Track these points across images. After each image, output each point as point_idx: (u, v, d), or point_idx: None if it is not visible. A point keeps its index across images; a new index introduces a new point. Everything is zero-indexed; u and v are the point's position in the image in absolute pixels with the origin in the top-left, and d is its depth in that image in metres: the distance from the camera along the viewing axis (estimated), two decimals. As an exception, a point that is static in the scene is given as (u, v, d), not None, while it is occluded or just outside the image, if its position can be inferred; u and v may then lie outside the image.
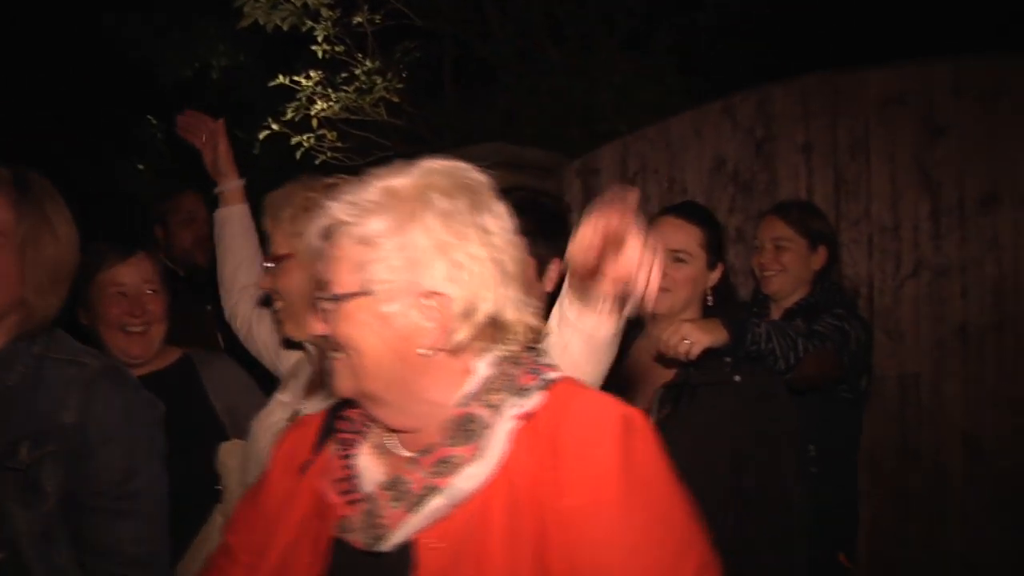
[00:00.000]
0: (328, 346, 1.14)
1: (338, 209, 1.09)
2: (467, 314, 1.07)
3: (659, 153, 3.83)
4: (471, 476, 1.05)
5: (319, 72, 4.96)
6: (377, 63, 5.05)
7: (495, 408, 1.08)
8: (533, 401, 1.08)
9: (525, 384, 1.10)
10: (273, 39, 5.09)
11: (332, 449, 1.18)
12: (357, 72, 5.05)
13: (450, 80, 5.62)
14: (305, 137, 5.10)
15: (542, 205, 2.20)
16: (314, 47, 5.06)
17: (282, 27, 4.55)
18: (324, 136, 4.92)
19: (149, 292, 2.25)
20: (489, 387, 1.10)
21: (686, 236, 2.38)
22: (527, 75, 4.97)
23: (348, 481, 1.12)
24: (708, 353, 2.31)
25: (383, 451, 1.16)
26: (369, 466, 1.14)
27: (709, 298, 2.45)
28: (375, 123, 4.96)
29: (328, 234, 1.11)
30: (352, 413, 1.20)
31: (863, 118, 3.17)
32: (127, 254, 2.24)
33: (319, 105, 5.06)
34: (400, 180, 1.09)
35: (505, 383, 1.10)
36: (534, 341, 1.18)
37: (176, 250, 3.46)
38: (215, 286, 2.75)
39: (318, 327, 1.13)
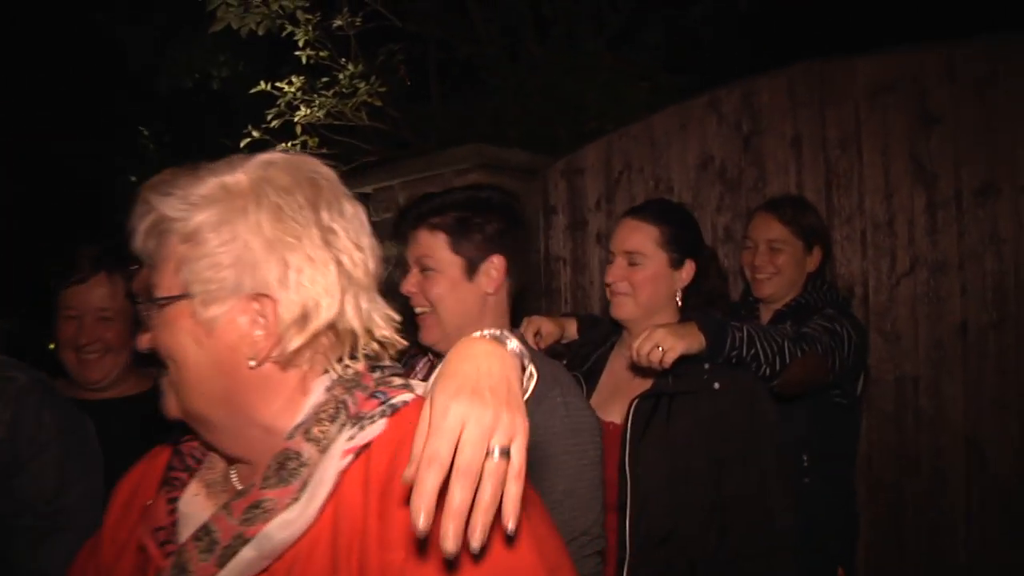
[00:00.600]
0: (156, 361, 1.01)
1: (165, 205, 0.97)
2: (301, 321, 0.96)
3: (644, 151, 3.69)
4: (286, 524, 0.91)
5: (301, 78, 4.87)
6: (360, 67, 4.95)
7: (317, 442, 0.94)
8: (371, 432, 0.94)
9: (364, 411, 0.97)
10: (271, 47, 5.00)
11: (164, 488, 1.04)
12: (340, 76, 4.95)
13: (435, 82, 5.50)
14: (289, 144, 5.00)
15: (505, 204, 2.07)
16: (297, 52, 4.98)
17: (256, 31, 4.44)
18: (306, 143, 4.83)
19: (102, 318, 2.12)
20: (317, 416, 0.97)
21: (641, 236, 2.26)
22: (513, 75, 4.84)
23: (167, 529, 0.98)
24: (685, 360, 2.18)
25: (219, 490, 1.03)
26: (195, 509, 1.00)
27: (678, 298, 2.32)
28: (358, 128, 4.85)
29: (154, 232, 0.99)
30: (193, 443, 1.07)
31: (853, 109, 3.02)
32: (86, 275, 2.11)
33: (302, 111, 4.97)
34: (235, 174, 0.99)
35: (335, 411, 0.96)
36: (385, 357, 1.06)
37: None
38: None
39: (142, 340, 1.00)
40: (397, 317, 1.08)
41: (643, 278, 2.25)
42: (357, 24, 4.78)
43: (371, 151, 4.83)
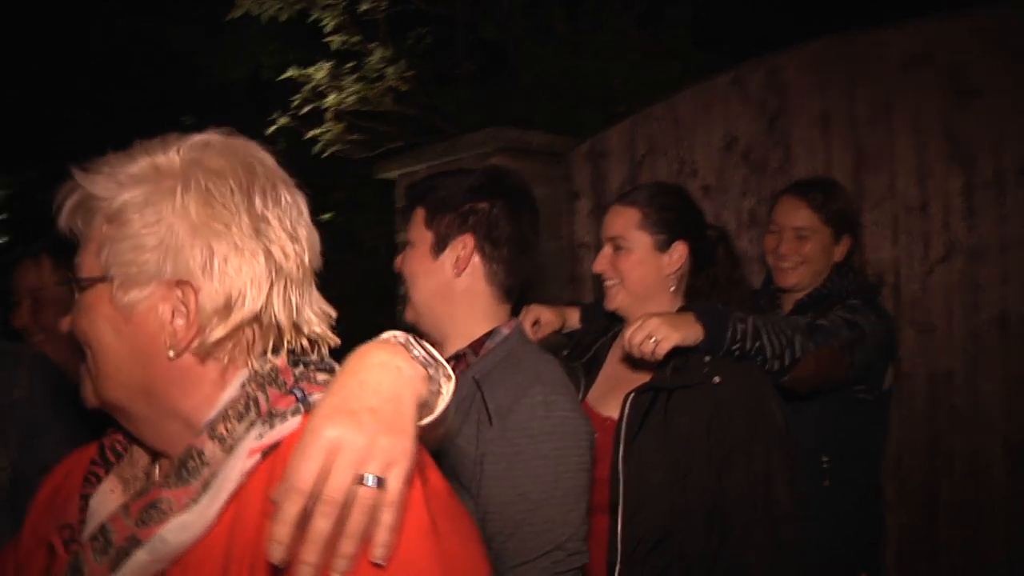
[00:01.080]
0: (76, 347, 0.97)
1: (93, 183, 0.93)
2: (223, 312, 0.92)
3: (667, 133, 3.53)
4: (183, 527, 0.86)
5: (329, 64, 4.84)
6: (390, 52, 4.89)
7: (221, 440, 0.89)
8: (282, 430, 0.89)
9: (277, 408, 0.91)
10: (310, 36, 4.99)
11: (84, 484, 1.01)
12: (370, 61, 4.91)
13: (464, 67, 5.41)
14: (321, 130, 4.99)
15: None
16: (328, 38, 4.95)
17: (277, 18, 4.42)
18: (330, 128, 4.80)
19: (37, 300, 2.07)
20: (225, 413, 0.92)
21: (623, 220, 2.13)
22: (540, 57, 4.71)
23: (73, 527, 0.94)
24: (684, 352, 2.06)
25: (138, 486, 0.98)
26: (105, 506, 0.96)
27: (671, 284, 2.18)
28: (386, 114, 4.81)
29: (80, 211, 0.95)
30: (117, 435, 1.03)
31: (884, 84, 2.82)
32: (22, 257, 2.09)
33: (331, 98, 4.94)
34: (168, 154, 0.95)
35: (245, 408, 0.91)
36: (309, 351, 1.00)
37: None
38: None
39: (64, 323, 0.97)
40: (333, 313, 1.03)
41: (628, 264, 2.12)
42: (383, 8, 4.72)
43: (399, 136, 4.78)
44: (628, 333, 1.96)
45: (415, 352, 0.91)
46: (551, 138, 4.01)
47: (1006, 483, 2.61)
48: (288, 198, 0.99)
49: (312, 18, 4.66)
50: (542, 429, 1.62)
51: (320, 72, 4.87)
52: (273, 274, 0.95)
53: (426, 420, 0.90)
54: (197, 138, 0.97)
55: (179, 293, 0.92)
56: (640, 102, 4.20)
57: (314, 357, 1.00)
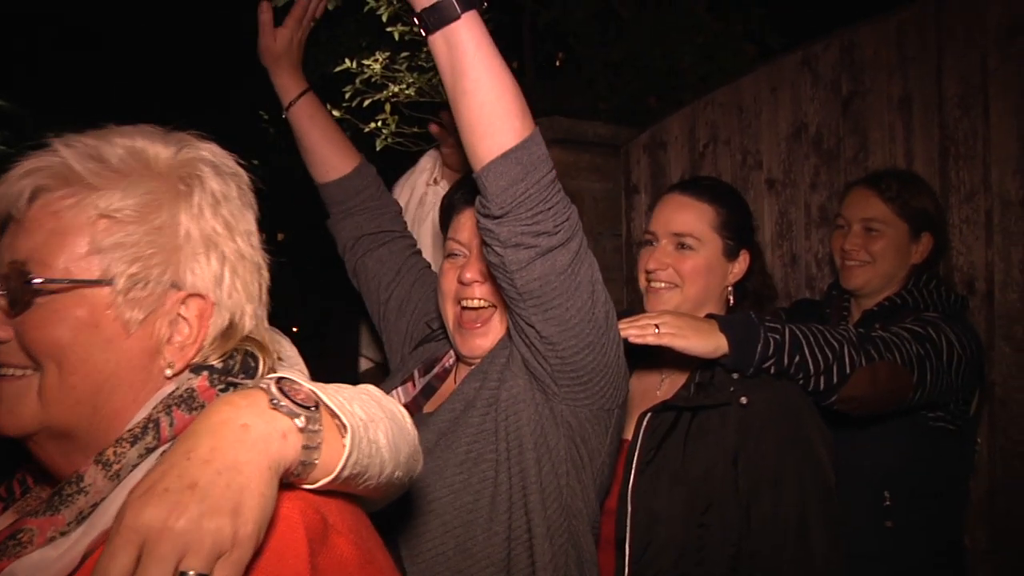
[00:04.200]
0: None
1: (72, 157, 0.82)
2: (229, 330, 0.88)
3: (730, 120, 3.19)
4: (42, 564, 0.73)
5: (385, 54, 4.69)
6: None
7: (107, 466, 0.77)
8: None
9: (181, 434, 0.78)
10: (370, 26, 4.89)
11: None
12: (424, 50, 4.74)
13: (529, 55, 5.17)
14: (378, 123, 4.86)
15: None
16: (389, 28, 4.82)
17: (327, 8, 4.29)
18: (386, 120, 4.67)
19: None
20: (123, 435, 0.80)
21: (695, 216, 1.91)
22: (604, 43, 4.42)
23: None
24: (708, 366, 1.78)
25: None
26: None
27: (729, 297, 1.91)
28: (441, 104, 4.63)
29: (39, 191, 0.83)
30: (27, 469, 0.96)
31: (978, 58, 2.40)
32: None
33: (392, 88, 4.80)
34: (157, 147, 0.86)
35: (142, 431, 0.81)
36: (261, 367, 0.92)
37: None
38: None
39: None
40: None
41: (694, 267, 1.87)
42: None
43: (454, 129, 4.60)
44: (636, 319, 1.70)
45: (278, 401, 0.75)
46: (608, 128, 3.72)
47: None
48: (255, 211, 0.95)
49: (367, 8, 4.51)
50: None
51: (377, 63, 4.72)
52: (262, 285, 0.92)
53: (323, 481, 0.77)
54: (177, 135, 0.90)
55: (189, 307, 0.85)
56: (709, 89, 3.86)
57: (250, 381, 0.88)
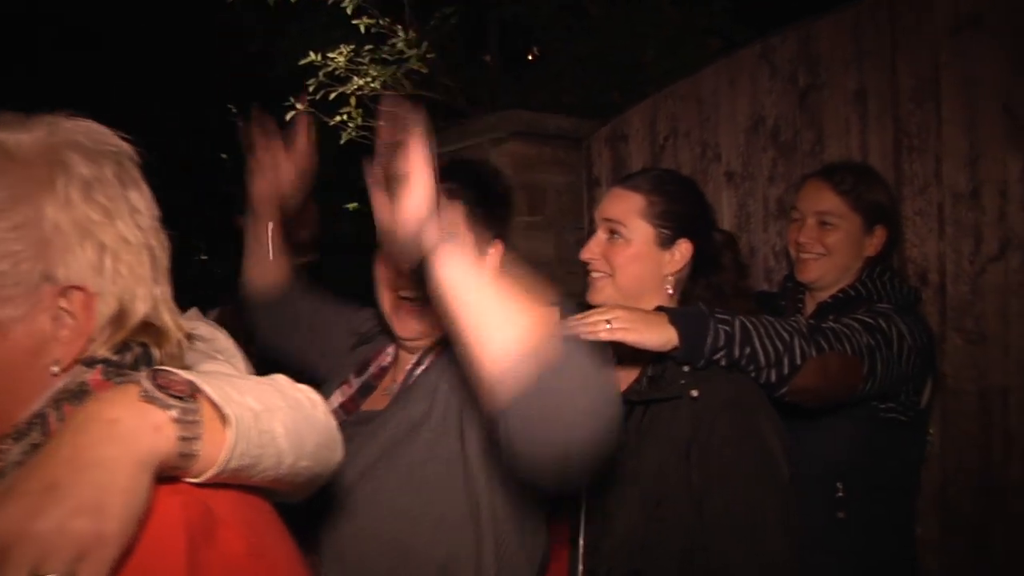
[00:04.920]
0: None
1: None
2: (120, 317, 0.84)
3: (690, 113, 3.19)
4: None
5: (349, 47, 4.64)
6: (414, 34, 4.67)
7: None
8: None
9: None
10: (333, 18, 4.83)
11: None
12: (396, 44, 4.70)
13: (493, 49, 5.14)
14: (344, 116, 4.81)
15: (480, 172, 1.74)
16: (355, 21, 4.77)
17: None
18: (350, 113, 4.63)
19: None
20: (6, 433, 0.79)
21: (625, 206, 1.88)
22: (569, 37, 4.41)
23: None
24: (661, 360, 1.77)
25: None
26: None
27: (668, 287, 1.90)
28: (406, 97, 4.59)
29: None
30: None
31: (931, 52, 2.42)
32: None
33: (357, 81, 4.76)
34: (20, 136, 0.82)
35: (27, 427, 0.78)
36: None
37: None
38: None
39: None
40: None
41: (624, 256, 1.85)
42: (405, -14, 4.50)
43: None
44: (587, 315, 1.69)
45: (150, 394, 0.73)
46: (571, 121, 3.72)
47: (1068, 522, 2.20)
48: (144, 184, 0.91)
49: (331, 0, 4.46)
50: None
51: (341, 56, 4.67)
52: (154, 269, 0.88)
53: (209, 473, 0.75)
54: (47, 119, 0.85)
55: (69, 300, 0.81)
56: (671, 82, 3.86)
57: (144, 372, 0.83)
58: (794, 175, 2.79)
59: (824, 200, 2.21)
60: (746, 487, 1.65)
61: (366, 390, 1.64)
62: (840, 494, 2.09)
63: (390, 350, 1.70)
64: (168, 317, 0.89)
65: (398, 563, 1.35)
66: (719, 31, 4.08)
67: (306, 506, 1.02)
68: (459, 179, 1.57)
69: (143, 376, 0.76)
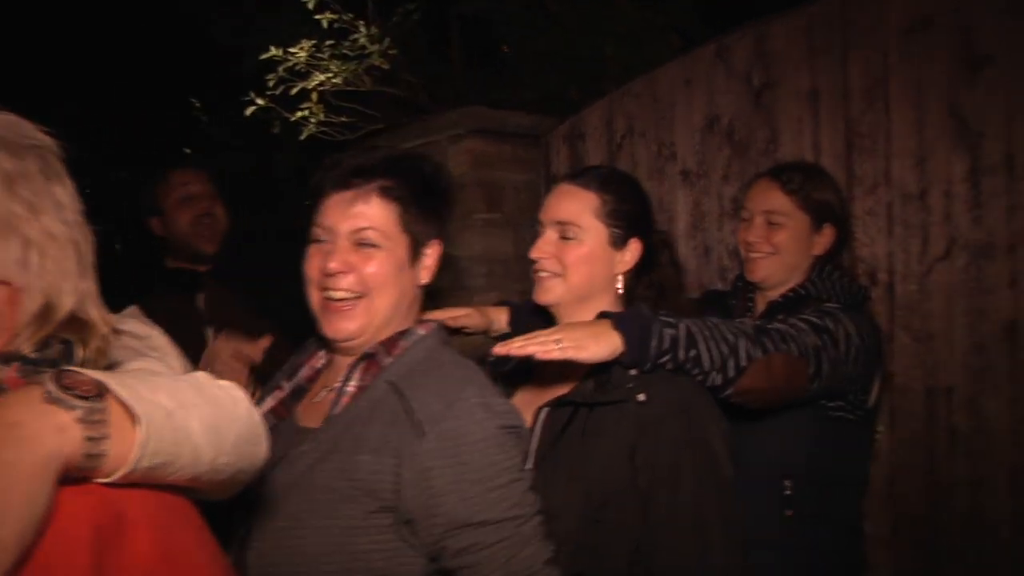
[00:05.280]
0: None
1: None
2: (45, 312, 0.84)
3: (647, 111, 3.19)
4: None
5: (311, 42, 4.59)
6: (376, 30, 4.62)
7: None
8: None
9: None
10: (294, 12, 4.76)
11: None
12: (359, 39, 4.65)
13: (455, 45, 5.11)
14: (305, 111, 4.75)
15: (421, 170, 1.70)
16: (317, 16, 4.71)
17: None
18: (311, 109, 4.57)
19: None
20: None
21: (578, 205, 1.87)
22: (531, 34, 4.39)
23: None
24: (607, 364, 1.76)
25: None
26: None
27: (618, 286, 1.90)
28: (372, 95, 4.55)
29: None
30: None
31: (881, 53, 2.44)
32: None
33: (319, 77, 4.70)
34: None
35: None
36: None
37: (178, 241, 2.84)
38: (215, 276, 2.74)
39: None
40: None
41: (576, 256, 1.84)
42: (367, -19, 4.45)
43: (379, 118, 4.52)
44: (537, 336, 1.68)
45: (53, 395, 0.71)
46: (530, 118, 3.70)
47: (1010, 518, 2.23)
48: (68, 179, 0.91)
49: (290, -7, 4.40)
50: (484, 434, 1.41)
51: (302, 52, 4.61)
52: (80, 263, 0.88)
53: (119, 472, 0.74)
54: None
55: None
56: (627, 80, 3.86)
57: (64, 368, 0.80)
58: (748, 174, 2.80)
59: (772, 199, 2.22)
60: (691, 491, 1.65)
61: (298, 393, 1.61)
62: (788, 492, 2.10)
63: (322, 353, 1.67)
64: (94, 312, 0.89)
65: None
66: (679, 29, 4.09)
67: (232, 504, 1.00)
68: (395, 176, 1.53)
69: (48, 377, 0.74)
